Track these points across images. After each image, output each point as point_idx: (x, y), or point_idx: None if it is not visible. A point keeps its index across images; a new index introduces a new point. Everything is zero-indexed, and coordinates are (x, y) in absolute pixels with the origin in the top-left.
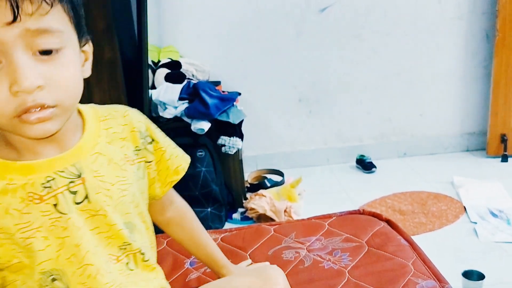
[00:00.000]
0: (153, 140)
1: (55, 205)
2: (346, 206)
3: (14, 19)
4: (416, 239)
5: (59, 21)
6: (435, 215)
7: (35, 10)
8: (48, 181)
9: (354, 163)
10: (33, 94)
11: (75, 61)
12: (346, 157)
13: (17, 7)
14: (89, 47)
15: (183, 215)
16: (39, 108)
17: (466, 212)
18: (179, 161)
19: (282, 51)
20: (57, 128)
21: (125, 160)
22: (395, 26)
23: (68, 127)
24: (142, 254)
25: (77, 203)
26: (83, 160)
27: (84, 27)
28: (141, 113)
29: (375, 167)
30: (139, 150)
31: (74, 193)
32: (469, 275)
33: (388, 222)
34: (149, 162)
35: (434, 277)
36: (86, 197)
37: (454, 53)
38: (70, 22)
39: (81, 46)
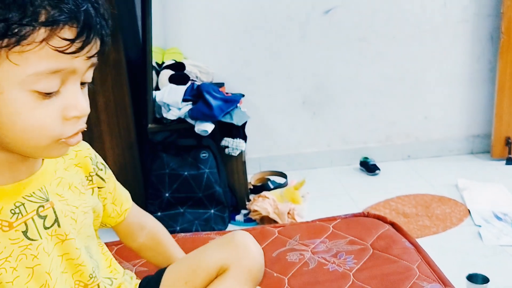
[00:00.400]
0: (100, 167)
1: (24, 232)
2: (349, 208)
3: (93, 56)
4: (420, 242)
5: None
6: (439, 218)
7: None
8: (17, 207)
9: (358, 166)
10: (81, 120)
11: None
12: (350, 159)
13: (100, 48)
14: None
15: (156, 239)
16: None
17: (471, 215)
18: (125, 190)
19: (286, 53)
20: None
21: (81, 184)
22: (400, 29)
23: None
24: (108, 280)
25: (47, 228)
26: (48, 184)
27: None
28: (86, 143)
29: (379, 169)
30: (92, 176)
31: (44, 217)
32: (473, 278)
33: (393, 225)
34: (101, 188)
35: (439, 280)
36: (56, 221)
37: (459, 55)
38: None
39: None
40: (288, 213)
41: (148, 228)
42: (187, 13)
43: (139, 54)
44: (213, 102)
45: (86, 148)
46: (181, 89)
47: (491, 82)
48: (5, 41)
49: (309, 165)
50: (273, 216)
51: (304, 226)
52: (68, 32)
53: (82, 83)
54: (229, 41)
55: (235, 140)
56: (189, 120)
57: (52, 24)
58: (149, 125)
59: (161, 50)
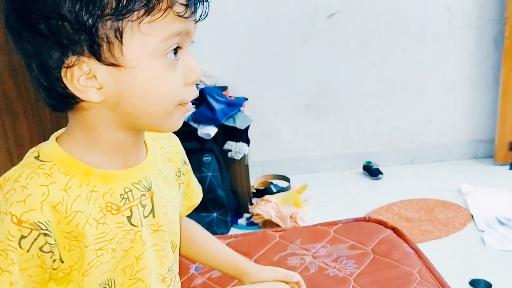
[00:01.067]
0: (185, 162)
1: (128, 217)
2: (352, 212)
3: (200, 18)
4: (422, 246)
5: None
6: (442, 223)
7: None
8: (126, 192)
9: (361, 170)
10: (195, 85)
11: None
12: (352, 163)
13: (206, 8)
14: None
15: (189, 228)
16: None
17: (474, 220)
18: (198, 186)
19: (290, 57)
20: None
21: (174, 179)
22: (404, 33)
23: (143, 138)
24: (176, 276)
25: (145, 217)
26: (151, 174)
27: None
28: (177, 137)
29: (381, 173)
30: (181, 172)
31: (144, 206)
32: (476, 284)
33: (394, 229)
34: (183, 184)
35: (439, 285)
36: (152, 211)
37: (462, 60)
38: None
39: None
40: (291, 217)
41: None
42: None
43: None
44: (216, 105)
45: (176, 144)
46: None
47: (494, 87)
48: (136, 14)
49: (312, 169)
50: (275, 220)
51: (305, 230)
52: None
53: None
54: (232, 45)
55: (238, 143)
56: (192, 123)
57: None
58: None
59: None
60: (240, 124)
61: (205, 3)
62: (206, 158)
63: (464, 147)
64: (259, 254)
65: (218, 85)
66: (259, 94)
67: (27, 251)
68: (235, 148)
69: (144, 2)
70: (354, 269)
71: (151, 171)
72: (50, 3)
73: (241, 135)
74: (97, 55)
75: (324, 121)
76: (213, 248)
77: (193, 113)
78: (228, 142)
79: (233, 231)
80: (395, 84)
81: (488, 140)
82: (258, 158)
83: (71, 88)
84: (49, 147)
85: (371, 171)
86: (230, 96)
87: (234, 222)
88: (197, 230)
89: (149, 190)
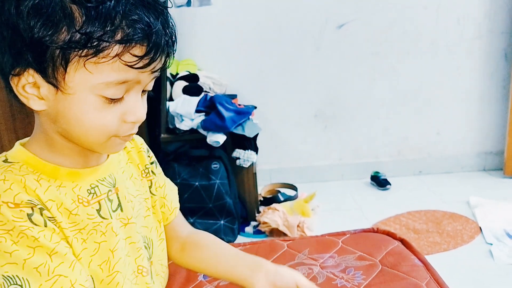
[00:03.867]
0: (155, 162)
1: (97, 210)
2: (359, 222)
3: (157, 71)
4: (430, 258)
5: None
6: (450, 235)
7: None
8: (92, 188)
9: (369, 180)
10: (136, 125)
11: None
12: (361, 173)
13: (166, 62)
14: None
15: (200, 237)
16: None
17: (482, 233)
18: (175, 193)
19: (300, 66)
20: None
21: (140, 176)
22: (414, 45)
23: None
24: (159, 275)
25: (113, 211)
26: (115, 172)
27: None
28: (140, 137)
29: (389, 184)
30: (147, 168)
31: (111, 201)
32: None
33: (402, 241)
34: (153, 181)
35: None
36: (119, 205)
37: (472, 72)
38: None
39: None
40: (298, 226)
41: (191, 231)
42: (202, 25)
43: None
44: (226, 113)
45: (140, 143)
46: (195, 100)
47: (504, 99)
48: (84, 51)
49: (320, 178)
50: (282, 228)
51: (313, 240)
52: (138, 50)
53: (143, 91)
54: (242, 54)
55: (246, 151)
56: (201, 131)
57: (126, 42)
58: (162, 135)
59: (176, 61)
60: (249, 132)
61: (166, 55)
62: (215, 165)
63: (473, 159)
64: None
65: (227, 93)
66: (268, 102)
67: (45, 226)
68: (243, 156)
69: (94, 44)
70: (362, 280)
71: (115, 169)
72: (13, 14)
73: (250, 143)
74: (41, 72)
75: (332, 130)
76: (228, 252)
77: (203, 120)
78: (237, 150)
79: (240, 239)
80: (405, 95)
81: (498, 152)
82: (266, 166)
83: (16, 93)
84: (15, 151)
85: (379, 182)
86: (239, 104)
87: (241, 230)
88: (209, 237)
89: (114, 186)
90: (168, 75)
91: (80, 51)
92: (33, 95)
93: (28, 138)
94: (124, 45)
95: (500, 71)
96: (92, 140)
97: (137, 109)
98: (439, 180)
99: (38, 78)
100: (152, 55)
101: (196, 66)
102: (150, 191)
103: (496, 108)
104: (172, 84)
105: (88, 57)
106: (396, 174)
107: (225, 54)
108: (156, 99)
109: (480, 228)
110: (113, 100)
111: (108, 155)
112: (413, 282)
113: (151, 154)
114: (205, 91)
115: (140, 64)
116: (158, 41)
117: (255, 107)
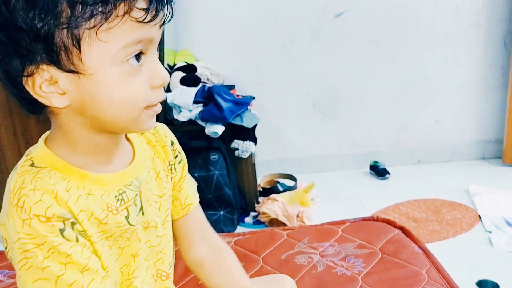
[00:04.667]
0: (179, 155)
1: (126, 217)
2: (359, 212)
3: (164, 22)
4: (429, 247)
5: None
6: (449, 223)
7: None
8: (120, 194)
9: (368, 170)
10: (162, 89)
11: None
12: (359, 163)
13: (169, 12)
14: None
15: (220, 255)
16: None
17: (481, 221)
18: (192, 189)
19: (297, 56)
20: None
21: (165, 173)
22: (412, 33)
23: (125, 139)
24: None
25: (136, 215)
26: (141, 174)
27: None
28: (166, 127)
29: (388, 173)
30: (171, 164)
31: (136, 205)
32: (483, 284)
33: (402, 229)
34: (174, 176)
35: (448, 285)
36: (141, 209)
37: (471, 60)
38: None
39: None
40: (297, 216)
41: (211, 240)
42: (199, 15)
43: None
44: (224, 104)
45: (164, 136)
46: (192, 91)
47: (503, 87)
48: (92, 21)
49: (318, 168)
50: (282, 218)
51: (313, 229)
52: (142, 2)
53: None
54: (240, 44)
55: (245, 142)
56: (199, 122)
57: None
58: None
59: (173, 52)
60: (247, 123)
61: (168, 5)
62: (213, 156)
63: (472, 147)
64: (267, 252)
65: (225, 83)
66: (266, 93)
67: (77, 241)
68: (242, 147)
69: (100, 9)
70: (362, 268)
71: (141, 170)
72: (5, 13)
73: (248, 134)
74: (55, 63)
75: (331, 120)
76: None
77: (201, 111)
78: (235, 140)
79: (239, 229)
80: (403, 84)
81: (497, 140)
82: (265, 157)
83: (34, 95)
84: (41, 154)
85: (378, 171)
86: (237, 95)
87: (240, 221)
88: (228, 258)
89: (139, 189)
90: (166, 66)
91: (88, 23)
92: (53, 93)
93: (49, 133)
94: (128, 0)
95: (499, 59)
96: (126, 118)
97: (160, 70)
98: (438, 169)
99: (54, 71)
100: (155, 5)
101: (193, 56)
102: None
103: (495, 97)
104: (169, 75)
105: (98, 26)
106: (395, 164)
107: (223, 44)
108: None
109: (479, 216)
110: (135, 66)
111: (134, 155)
112: (413, 270)
113: (176, 146)
114: (203, 82)
115: (149, 17)
116: None
117: (254, 98)
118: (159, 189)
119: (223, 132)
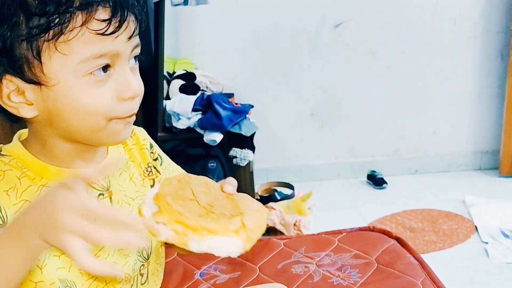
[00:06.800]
0: (159, 158)
1: None
2: (356, 221)
3: (132, 35)
4: (425, 257)
5: None
6: (445, 234)
7: (137, 25)
8: None
9: (365, 179)
10: (134, 101)
11: None
12: (357, 172)
13: (136, 24)
14: None
15: None
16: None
17: (478, 231)
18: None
19: (296, 65)
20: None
21: (143, 176)
22: (410, 44)
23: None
24: (154, 274)
25: None
26: (111, 175)
27: None
28: (144, 131)
29: (386, 183)
30: (150, 166)
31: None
32: None
33: (398, 240)
34: (156, 180)
35: None
36: None
37: (468, 71)
38: None
39: None
40: (294, 224)
41: None
42: (199, 24)
43: (151, 64)
44: (223, 112)
45: (142, 139)
46: (191, 99)
47: (500, 99)
48: (50, 33)
49: (316, 177)
50: (279, 227)
51: (309, 238)
52: (103, 13)
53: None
54: (239, 52)
55: (243, 150)
56: (198, 129)
57: (87, 6)
58: (159, 134)
59: (173, 60)
60: (245, 131)
61: (134, 15)
62: (212, 164)
63: (469, 158)
64: (263, 261)
65: (224, 92)
66: (265, 101)
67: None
68: (240, 155)
69: (56, 21)
70: (358, 278)
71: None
72: None
73: (247, 142)
74: (19, 74)
75: (329, 129)
76: None
77: (200, 119)
78: (234, 148)
79: None
80: (401, 94)
81: (493, 151)
82: (263, 165)
83: (3, 105)
84: (13, 145)
85: (376, 180)
86: (236, 103)
87: None
88: None
89: (108, 189)
90: (165, 73)
91: (46, 35)
92: (21, 103)
93: (24, 132)
94: (85, 10)
95: (495, 70)
96: (93, 127)
97: (130, 82)
98: (435, 179)
99: (18, 81)
100: (119, 17)
101: (193, 64)
102: None
103: (492, 108)
104: (169, 83)
105: (56, 38)
106: (392, 173)
107: (222, 53)
108: (153, 98)
109: (476, 227)
110: (100, 78)
111: (107, 155)
112: (409, 281)
113: (156, 149)
114: (202, 90)
115: (111, 29)
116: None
117: (252, 106)
118: (131, 192)
119: (222, 140)
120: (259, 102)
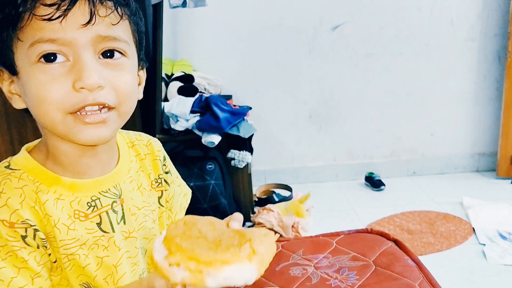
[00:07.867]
0: (168, 171)
1: (98, 223)
2: (353, 223)
3: (89, 20)
4: (423, 259)
5: (125, 34)
6: (443, 236)
7: (108, 14)
8: (93, 200)
9: (363, 181)
10: (93, 93)
11: (134, 74)
12: (355, 174)
13: (92, 11)
14: (143, 73)
15: None
16: (98, 107)
17: (475, 233)
18: (183, 197)
19: (294, 67)
20: (110, 135)
21: (150, 187)
22: (408, 46)
23: (110, 147)
24: None
25: (118, 223)
26: (122, 182)
27: (143, 54)
28: (160, 143)
29: (383, 185)
30: (161, 178)
31: (116, 212)
32: None
33: (396, 242)
34: (164, 192)
35: None
36: (122, 218)
37: (465, 73)
38: (134, 41)
39: (138, 69)
40: (293, 226)
41: None
42: (197, 26)
43: (149, 65)
44: (221, 114)
45: (156, 150)
46: (189, 100)
47: (497, 101)
48: (11, 22)
49: (314, 179)
50: (277, 229)
51: (307, 241)
52: None
53: (109, 55)
54: (237, 54)
55: (241, 152)
56: (196, 131)
57: None
58: (157, 136)
59: (171, 62)
60: (243, 133)
61: (85, 2)
62: (210, 166)
63: (467, 160)
64: None
65: (222, 94)
66: (263, 103)
67: (38, 248)
68: (238, 157)
69: (11, 9)
70: (355, 280)
71: (122, 179)
72: None
73: (245, 144)
74: (4, 65)
75: (327, 131)
76: None
77: (198, 121)
78: (232, 150)
79: None
80: (398, 96)
81: (491, 153)
82: (261, 167)
83: (5, 93)
84: (19, 157)
85: (373, 182)
86: (234, 105)
87: None
88: None
89: (120, 197)
90: (163, 75)
91: (8, 24)
92: (14, 94)
93: (36, 141)
94: None
95: (493, 72)
96: (50, 120)
97: (83, 72)
98: (433, 181)
99: (6, 73)
100: (68, 2)
101: (191, 66)
102: (159, 201)
103: (489, 110)
104: (167, 85)
105: (15, 26)
106: (390, 175)
107: (220, 55)
108: (151, 99)
109: (473, 228)
110: (53, 66)
111: (117, 163)
112: (406, 283)
113: (168, 162)
114: (200, 92)
115: (57, 14)
116: None
117: (250, 108)
118: (138, 201)
119: (220, 142)
120: (257, 104)
